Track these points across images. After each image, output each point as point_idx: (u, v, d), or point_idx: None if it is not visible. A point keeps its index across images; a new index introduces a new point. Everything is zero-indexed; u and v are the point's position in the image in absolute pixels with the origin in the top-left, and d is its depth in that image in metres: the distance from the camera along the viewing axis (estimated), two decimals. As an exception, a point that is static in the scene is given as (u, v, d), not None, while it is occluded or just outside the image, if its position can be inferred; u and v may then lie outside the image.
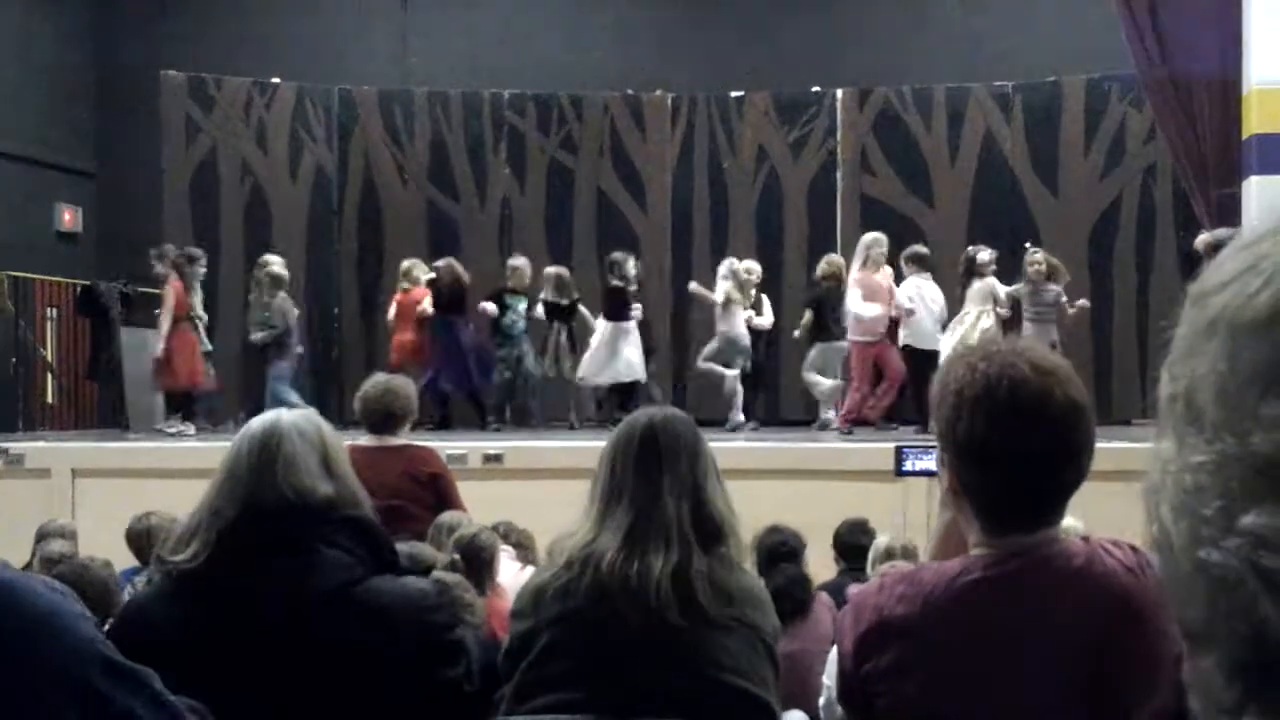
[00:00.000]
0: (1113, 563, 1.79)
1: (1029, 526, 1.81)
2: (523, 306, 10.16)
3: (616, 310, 10.01)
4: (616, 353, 9.93)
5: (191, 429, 9.50)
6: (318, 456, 2.43)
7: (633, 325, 10.06)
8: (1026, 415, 1.75)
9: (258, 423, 2.48)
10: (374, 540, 2.41)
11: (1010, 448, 1.76)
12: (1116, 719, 1.75)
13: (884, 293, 9.33)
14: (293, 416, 2.51)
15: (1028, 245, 9.73)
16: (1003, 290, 9.06)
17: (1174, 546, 0.59)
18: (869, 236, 9.74)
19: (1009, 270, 9.40)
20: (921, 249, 9.61)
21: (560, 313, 10.25)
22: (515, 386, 10.17)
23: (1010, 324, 8.93)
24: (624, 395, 9.98)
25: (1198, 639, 0.58)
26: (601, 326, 10.06)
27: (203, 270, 9.95)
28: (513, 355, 10.09)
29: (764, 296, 10.45)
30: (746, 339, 9.94)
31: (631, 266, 10.17)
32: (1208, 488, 0.57)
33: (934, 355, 8.56)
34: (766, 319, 10.37)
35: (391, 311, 10.45)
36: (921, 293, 9.21)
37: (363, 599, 2.32)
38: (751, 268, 10.25)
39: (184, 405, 9.69)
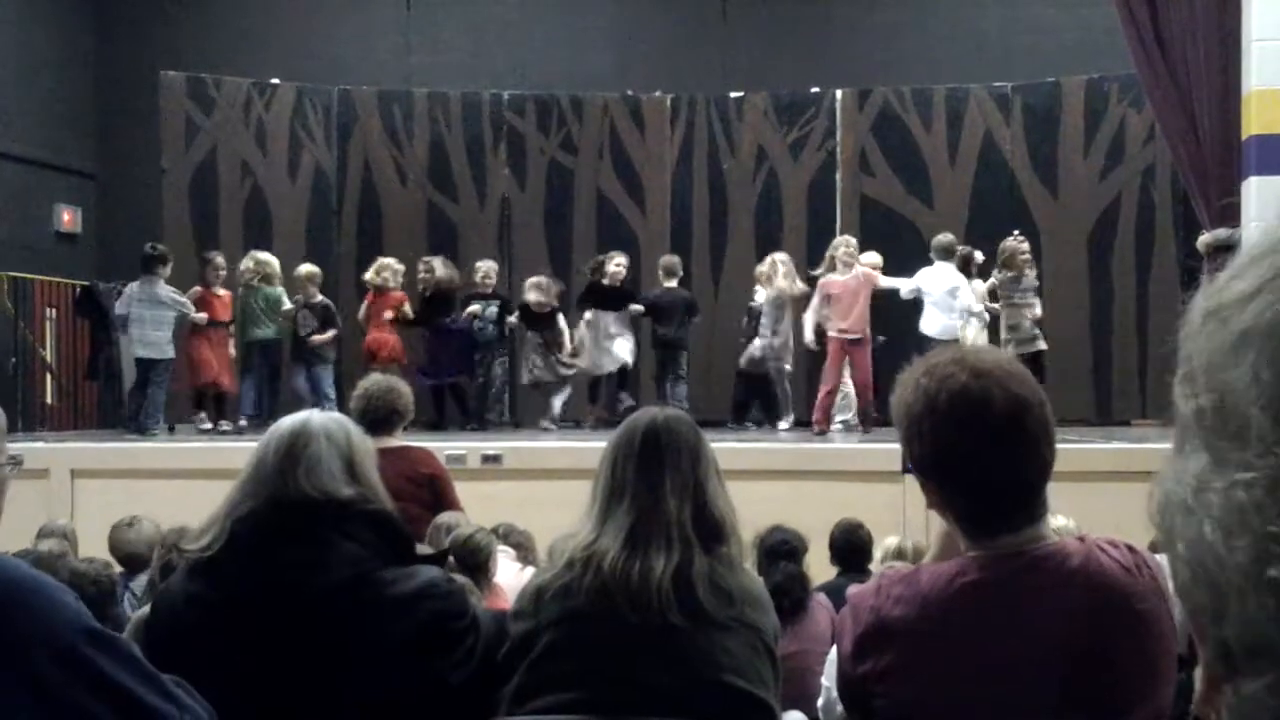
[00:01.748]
0: (1109, 562, 1.79)
1: (1012, 526, 1.81)
2: (491, 311, 10.24)
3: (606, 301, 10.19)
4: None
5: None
6: (342, 461, 2.44)
7: (613, 315, 10.16)
8: (968, 423, 1.76)
9: (287, 422, 2.49)
10: (390, 532, 2.42)
11: (962, 458, 1.77)
12: (1114, 719, 1.76)
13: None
14: (323, 418, 2.52)
15: (1016, 233, 9.68)
16: (983, 287, 9.20)
17: (1224, 565, 0.56)
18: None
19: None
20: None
21: (538, 320, 10.25)
22: (486, 391, 10.30)
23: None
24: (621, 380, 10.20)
25: (1247, 659, 0.56)
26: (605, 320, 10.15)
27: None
28: (487, 359, 10.26)
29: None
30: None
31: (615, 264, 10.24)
32: (1266, 504, 0.54)
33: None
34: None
35: (362, 311, 10.34)
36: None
37: (373, 589, 2.33)
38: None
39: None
